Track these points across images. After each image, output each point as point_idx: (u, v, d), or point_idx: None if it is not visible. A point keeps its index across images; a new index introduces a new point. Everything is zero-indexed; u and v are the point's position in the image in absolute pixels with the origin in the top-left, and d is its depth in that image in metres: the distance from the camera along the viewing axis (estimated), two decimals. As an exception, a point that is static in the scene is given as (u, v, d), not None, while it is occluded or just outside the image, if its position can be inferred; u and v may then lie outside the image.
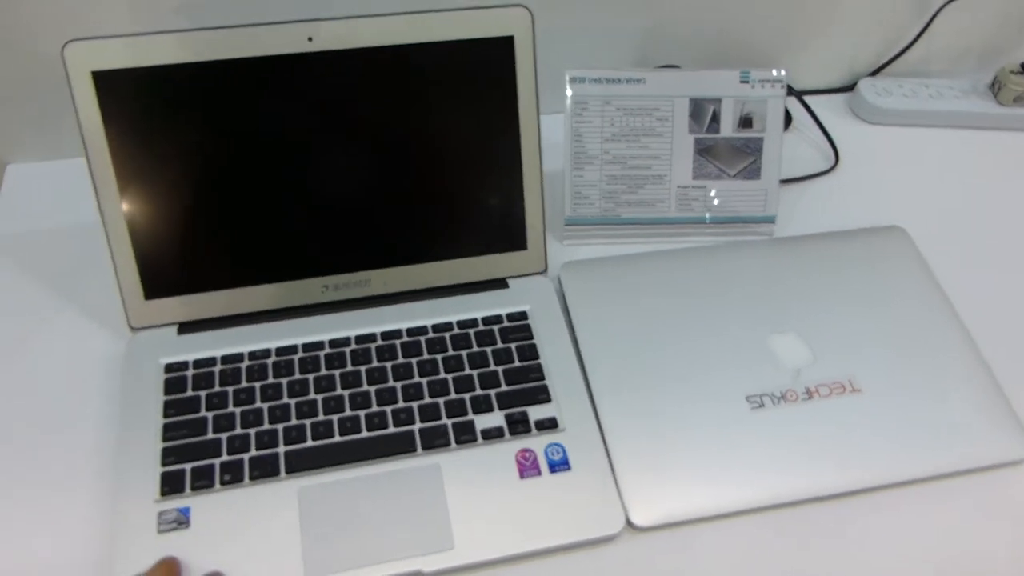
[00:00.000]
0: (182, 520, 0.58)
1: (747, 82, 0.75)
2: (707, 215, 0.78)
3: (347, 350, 0.67)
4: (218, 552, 0.57)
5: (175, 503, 0.59)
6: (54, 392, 0.67)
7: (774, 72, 0.75)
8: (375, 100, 0.66)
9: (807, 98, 0.92)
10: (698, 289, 0.72)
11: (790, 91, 0.91)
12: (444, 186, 0.70)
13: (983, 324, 0.74)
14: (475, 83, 0.67)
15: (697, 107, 0.75)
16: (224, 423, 0.63)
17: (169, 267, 0.67)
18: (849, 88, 0.93)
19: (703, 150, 0.76)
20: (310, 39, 0.63)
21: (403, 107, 0.67)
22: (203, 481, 0.60)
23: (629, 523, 0.60)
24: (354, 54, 0.64)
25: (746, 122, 0.76)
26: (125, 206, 0.65)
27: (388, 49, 0.65)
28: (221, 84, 0.63)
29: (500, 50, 0.67)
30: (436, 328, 0.69)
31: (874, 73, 0.93)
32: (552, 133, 0.75)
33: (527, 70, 0.68)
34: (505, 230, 0.72)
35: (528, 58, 0.67)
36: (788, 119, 0.90)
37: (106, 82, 0.62)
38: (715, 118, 0.76)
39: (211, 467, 0.61)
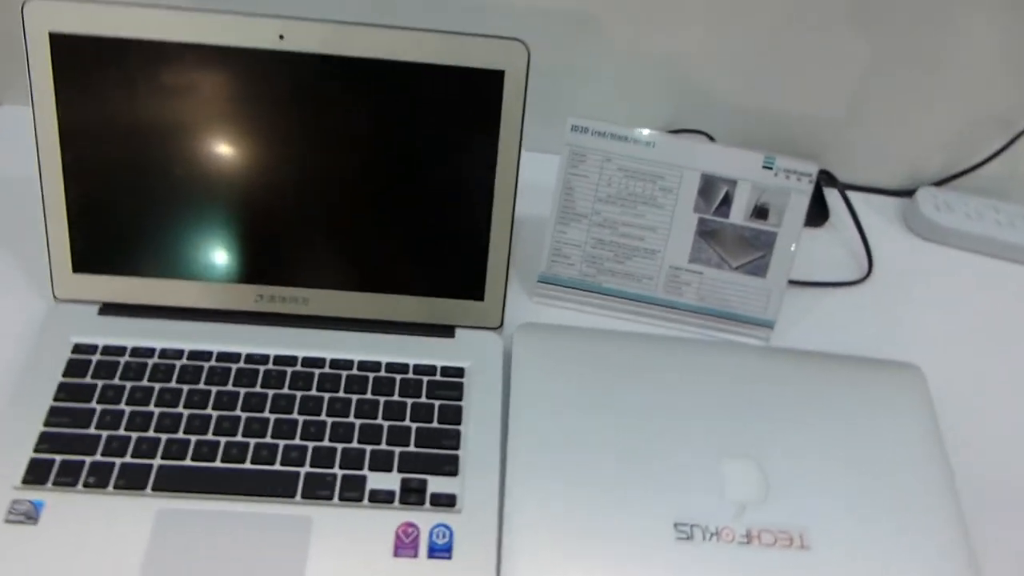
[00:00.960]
0: (32, 515, 0.55)
1: (770, 168, 0.67)
2: (698, 304, 0.70)
3: (261, 369, 0.63)
4: (55, 558, 0.53)
5: (32, 494, 0.55)
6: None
7: (805, 164, 0.66)
8: (344, 111, 0.61)
9: (855, 195, 0.82)
10: (663, 385, 0.64)
11: (833, 183, 0.81)
12: (404, 214, 0.64)
13: (983, 501, 0.63)
14: (456, 113, 0.62)
15: (708, 184, 0.67)
16: (109, 420, 0.59)
17: (101, 243, 0.64)
18: (908, 193, 0.83)
19: (706, 233, 0.68)
20: (281, 37, 0.59)
21: (375, 124, 0.62)
22: (67, 478, 0.56)
23: (498, 636, 0.53)
24: (326, 59, 0.60)
25: (761, 212, 0.68)
26: (65, 173, 0.61)
27: (365, 61, 0.60)
28: (181, 68, 0.59)
29: (489, 83, 0.61)
30: (362, 366, 0.64)
31: (940, 183, 0.82)
32: (546, 176, 0.68)
33: (514, 109, 0.61)
34: (462, 275, 0.66)
35: (517, 97, 0.61)
36: (825, 213, 0.80)
37: (63, 45, 0.58)
38: (726, 201, 0.67)
39: (80, 464, 0.57)
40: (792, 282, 0.74)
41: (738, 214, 0.68)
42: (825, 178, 0.82)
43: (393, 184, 0.63)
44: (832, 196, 0.81)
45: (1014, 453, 0.67)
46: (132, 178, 0.62)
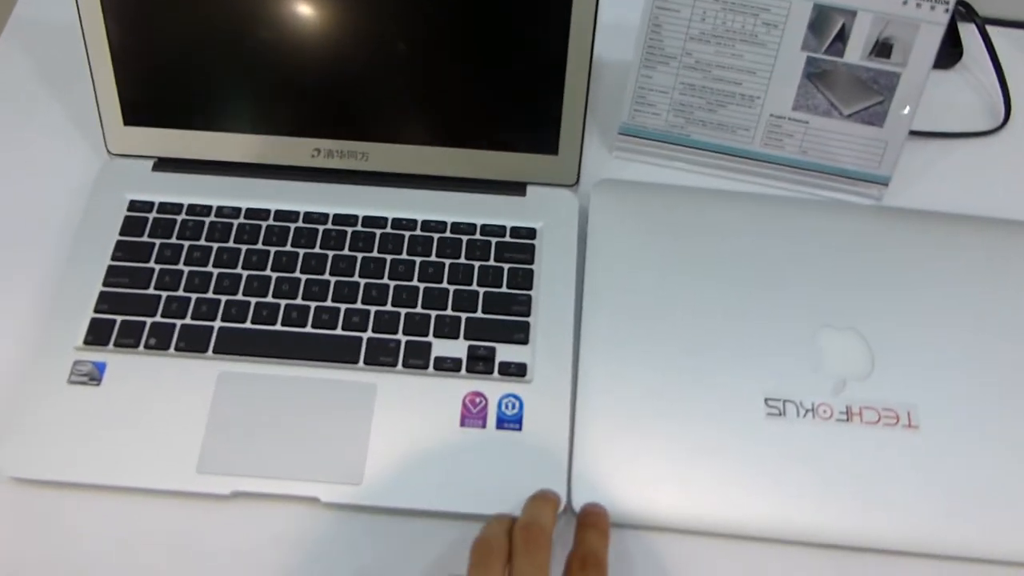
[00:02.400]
0: (95, 376, 0.54)
1: (898, -5, 0.56)
2: (801, 158, 0.62)
3: (320, 229, 0.59)
4: (118, 420, 0.52)
5: (94, 355, 0.54)
6: (21, 202, 0.62)
7: (941, -12, 0.56)
8: (400, -63, 0.54)
9: (998, 30, 0.70)
10: (756, 248, 0.58)
11: (972, 15, 0.69)
12: (470, 60, 0.57)
13: None
14: (527, -63, 0.53)
15: (821, 16, 0.57)
16: (168, 281, 0.57)
17: (151, 94, 0.59)
18: (1062, 28, 0.70)
19: (815, 75, 0.59)
20: None
21: (434, -47, 0.54)
22: (128, 339, 0.55)
23: (569, 510, 0.50)
24: None
25: (884, 49, 0.58)
26: (105, 15, 0.57)
27: None
28: None
29: None
30: (426, 226, 0.59)
31: (1103, 13, 0.70)
32: (631, 12, 0.60)
33: (594, -70, 0.53)
34: (534, 127, 0.59)
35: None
36: (958, 53, 0.69)
37: None
38: (841, 36, 0.58)
39: (141, 325, 0.55)
40: (914, 133, 0.65)
41: (855, 51, 0.58)
42: (962, 11, 0.70)
43: (457, 28, 0.56)
44: (968, 32, 0.69)
45: None
46: (181, 23, 0.57)
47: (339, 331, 0.55)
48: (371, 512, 0.51)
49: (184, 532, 0.50)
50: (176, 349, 0.54)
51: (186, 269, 0.57)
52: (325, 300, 0.56)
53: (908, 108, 0.59)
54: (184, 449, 0.51)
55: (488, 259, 0.58)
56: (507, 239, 0.59)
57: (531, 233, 0.59)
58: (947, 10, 0.56)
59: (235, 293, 0.56)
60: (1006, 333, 0.55)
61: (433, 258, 0.58)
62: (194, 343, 0.55)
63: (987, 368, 0.54)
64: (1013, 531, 0.50)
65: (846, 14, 0.57)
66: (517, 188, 0.61)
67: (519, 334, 0.55)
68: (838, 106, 0.60)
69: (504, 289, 0.57)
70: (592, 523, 0.48)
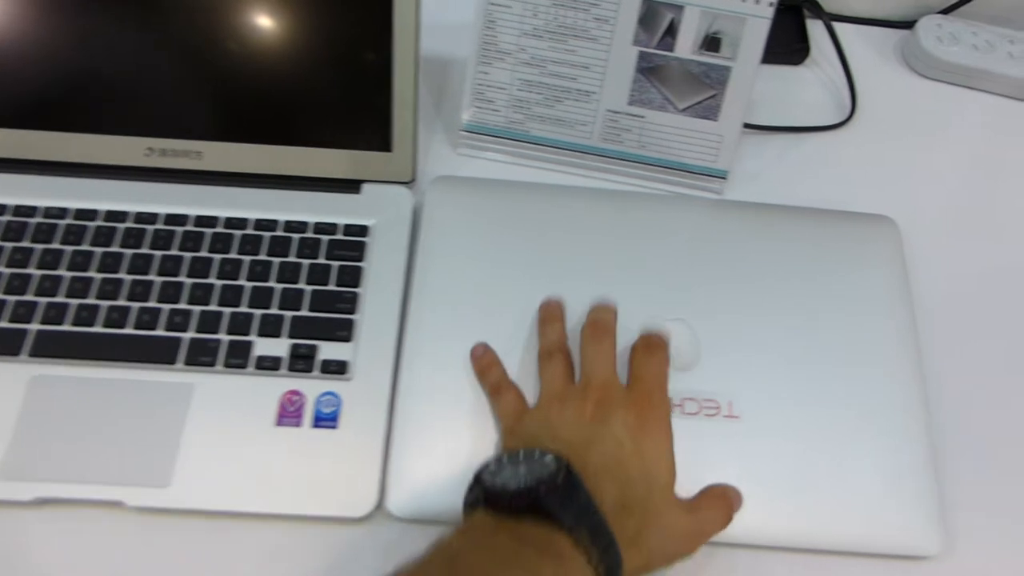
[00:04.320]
0: (-98, 378, 0.52)
1: (723, -11, 0.57)
2: (640, 153, 0.62)
3: (150, 229, 0.58)
4: (-78, 424, 0.51)
5: (-97, 359, 0.53)
6: None
7: (764, -18, 0.56)
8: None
9: (848, 27, 0.71)
10: (590, 243, 0.57)
11: (818, 12, 0.70)
12: (297, 57, 0.57)
13: (953, 372, 0.56)
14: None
15: (651, 11, 0.58)
16: (-14, 282, 0.56)
17: (-26, 93, 0.58)
18: (910, 24, 0.71)
19: (648, 69, 0.59)
20: None
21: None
22: (-62, 343, 0.53)
23: (382, 508, 0.49)
24: None
25: (712, 43, 0.58)
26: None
27: None
28: None
29: None
30: (258, 224, 0.58)
31: (947, 10, 0.70)
32: (466, 8, 0.59)
33: (408, -76, 0.53)
34: (366, 124, 0.59)
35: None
36: (806, 49, 0.70)
37: None
38: (671, 30, 0.58)
39: (-46, 328, 0.54)
40: (760, 127, 0.66)
41: (685, 46, 0.58)
42: (810, 8, 0.71)
43: (283, 25, 0.56)
44: (817, 29, 0.70)
45: (994, 321, 0.59)
46: (5, 12, 0.56)
47: (160, 332, 0.54)
48: (180, 515, 0.50)
49: (-15, 540, 0.49)
50: (-11, 353, 0.53)
51: (6, 271, 0.56)
52: (148, 301, 0.55)
53: (741, 101, 0.59)
54: (-12, 456, 0.50)
55: (318, 257, 0.57)
56: (339, 237, 0.58)
57: (363, 231, 0.58)
58: (771, 4, 0.57)
59: (56, 295, 0.55)
60: (827, 323, 0.55)
61: (263, 257, 0.57)
62: (6, 346, 0.53)
63: (808, 357, 0.54)
64: (833, 518, 0.50)
65: (674, 8, 0.57)
66: (352, 186, 0.60)
67: (342, 331, 0.54)
68: (672, 100, 0.60)
69: (331, 287, 0.56)
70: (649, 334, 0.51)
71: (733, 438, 0.51)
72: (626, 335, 0.53)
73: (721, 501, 0.48)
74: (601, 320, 0.52)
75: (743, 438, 0.52)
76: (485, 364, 0.52)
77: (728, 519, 0.47)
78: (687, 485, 0.49)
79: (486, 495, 0.42)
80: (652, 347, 0.50)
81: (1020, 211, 0.64)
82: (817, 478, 0.51)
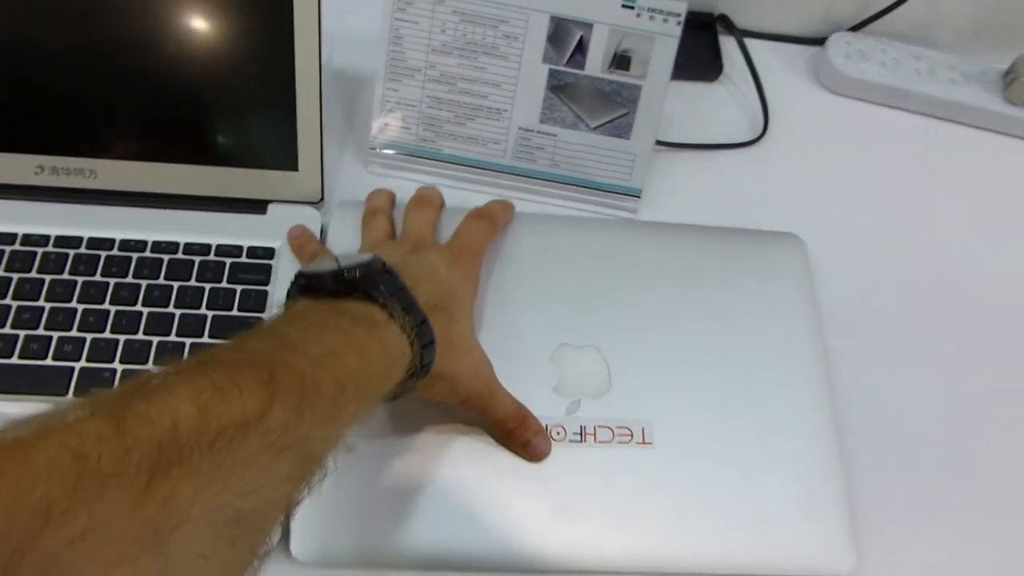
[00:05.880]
0: None
1: (631, 7, 0.56)
2: (554, 171, 0.61)
3: (39, 251, 0.55)
4: None
5: None
6: None
7: (673, 2, 0.56)
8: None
9: (759, 43, 0.71)
10: (501, 266, 0.56)
11: (731, 29, 0.71)
12: (195, 72, 0.55)
13: (861, 388, 0.57)
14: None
15: (559, 29, 0.57)
16: None
17: None
18: (820, 41, 0.72)
19: (559, 87, 0.59)
20: None
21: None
22: None
23: (285, 551, 0.48)
24: None
25: (622, 61, 0.58)
26: None
27: None
28: None
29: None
30: (157, 247, 0.56)
31: (856, 28, 0.72)
32: (377, 21, 0.58)
33: (307, -63, 0.51)
34: (269, 142, 0.57)
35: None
36: (719, 66, 0.70)
37: None
38: (581, 48, 0.58)
39: None
40: (673, 144, 0.66)
41: (595, 64, 0.58)
42: (723, 24, 0.71)
43: (181, 39, 0.54)
44: (730, 46, 0.71)
45: (899, 337, 0.60)
46: None
47: (49, 361, 0.51)
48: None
49: None
50: None
51: None
52: (36, 328, 0.52)
53: (653, 119, 0.59)
54: None
55: (221, 281, 0.55)
56: (243, 260, 0.56)
57: (269, 253, 0.56)
58: (679, 23, 0.57)
59: (-64, 323, 0.52)
60: (736, 344, 0.55)
61: (161, 281, 0.55)
62: None
63: (718, 381, 0.54)
64: (747, 541, 0.50)
65: (583, 26, 0.57)
66: (258, 206, 0.58)
67: (245, 359, 0.52)
68: (584, 119, 0.60)
69: (235, 312, 0.54)
70: (500, 201, 0.57)
71: (647, 465, 0.51)
72: (535, 360, 0.52)
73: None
74: (425, 194, 0.57)
75: (656, 464, 0.51)
76: (303, 241, 0.56)
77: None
78: (603, 514, 0.49)
79: (306, 281, 0.42)
80: (480, 215, 0.55)
81: (926, 227, 0.65)
82: (730, 501, 0.51)
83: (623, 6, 0.56)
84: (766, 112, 0.68)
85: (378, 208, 0.56)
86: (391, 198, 0.58)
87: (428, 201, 0.56)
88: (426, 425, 0.51)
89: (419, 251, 0.50)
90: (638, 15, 0.57)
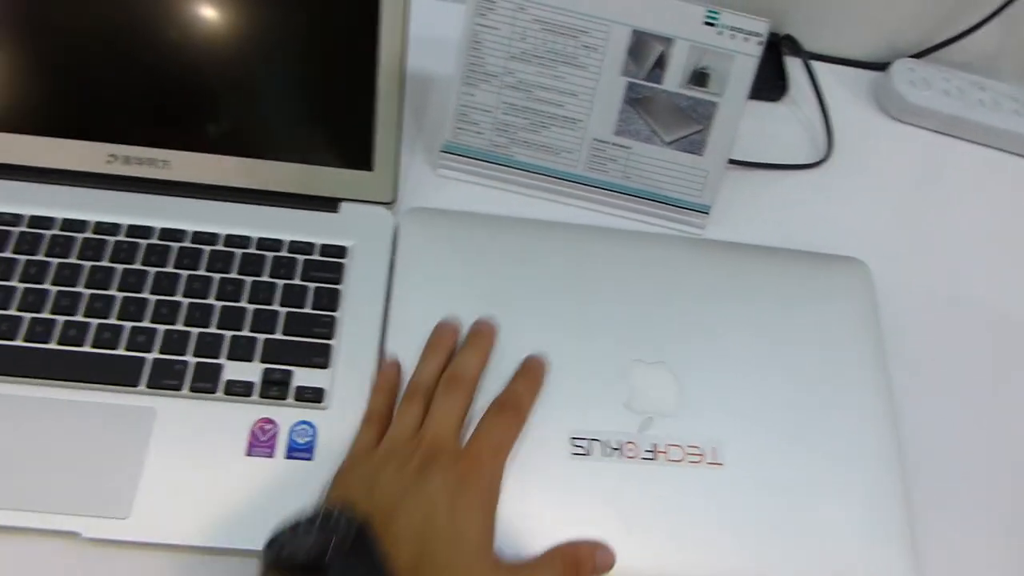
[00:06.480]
0: None
1: (713, 25, 0.57)
2: (624, 183, 0.61)
3: (111, 240, 0.55)
4: None
5: None
6: None
7: (754, 22, 0.56)
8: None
9: (822, 66, 0.72)
10: (569, 281, 0.56)
11: (797, 50, 0.71)
12: (276, 67, 0.55)
13: (926, 414, 0.57)
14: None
15: (640, 42, 0.57)
16: (-69, 292, 0.52)
17: (-77, 87, 0.55)
18: (883, 67, 0.72)
19: (637, 100, 0.59)
20: None
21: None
22: None
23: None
24: None
25: (700, 78, 0.58)
26: None
27: None
28: None
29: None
30: (229, 241, 0.56)
31: (920, 55, 0.72)
32: (453, 26, 0.58)
33: (403, -60, 0.51)
34: (347, 141, 0.57)
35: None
36: (783, 86, 0.70)
37: None
38: (660, 63, 0.58)
39: None
40: (738, 163, 0.66)
41: (673, 79, 0.58)
42: (788, 45, 0.71)
43: (265, 34, 0.54)
44: (794, 66, 0.71)
45: (963, 366, 0.60)
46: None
47: (121, 351, 0.51)
48: (139, 548, 0.47)
49: (-78, 573, 0.45)
50: (-68, 368, 0.49)
51: (-47, 280, 0.52)
52: (108, 317, 0.52)
53: (727, 138, 0.59)
54: (-70, 481, 0.46)
55: (293, 278, 0.55)
56: (315, 257, 0.56)
57: (341, 252, 0.56)
58: (760, 43, 0.57)
59: (7, 308, 0.52)
60: (802, 367, 0.55)
61: (234, 275, 0.54)
62: (-47, 362, 0.50)
63: (792, 403, 0.54)
64: (810, 565, 0.50)
65: (664, 41, 0.57)
66: (329, 204, 0.58)
67: (319, 357, 0.52)
68: (659, 133, 0.60)
69: (307, 310, 0.54)
70: (525, 371, 0.52)
71: (716, 486, 0.51)
72: (607, 375, 0.52)
73: (560, 562, 0.46)
74: (459, 372, 0.50)
75: (725, 485, 0.51)
76: (380, 384, 0.51)
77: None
78: (670, 534, 0.49)
79: (275, 556, 0.41)
80: (504, 408, 0.50)
81: (988, 255, 0.65)
82: (796, 526, 0.51)
83: (705, 23, 0.57)
84: (830, 135, 0.68)
85: (417, 391, 0.50)
86: (452, 344, 0.52)
87: (459, 382, 0.50)
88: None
89: (423, 477, 0.45)
90: (719, 33, 0.57)
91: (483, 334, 0.52)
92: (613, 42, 0.57)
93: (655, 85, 0.58)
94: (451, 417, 0.48)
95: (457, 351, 0.52)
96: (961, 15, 0.69)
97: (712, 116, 0.59)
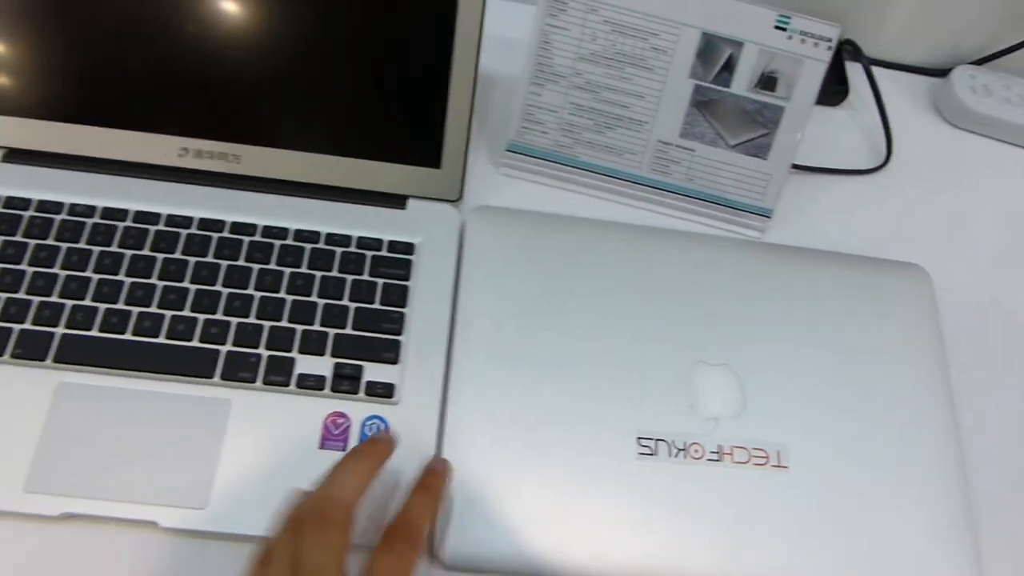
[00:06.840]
0: (-84, 381, 0.49)
1: (784, 29, 0.57)
2: (687, 186, 0.62)
3: (183, 233, 0.55)
4: (-62, 431, 0.48)
5: (-84, 358, 0.50)
6: None
7: (824, 27, 0.57)
8: (279, -68, 0.51)
9: (881, 71, 0.72)
10: (634, 282, 0.57)
11: (857, 56, 0.71)
12: (349, 64, 0.55)
13: (987, 421, 0.57)
14: (413, -58, 0.52)
15: (709, 46, 0.57)
16: (9, 282, 0.52)
17: (3, 80, 0.55)
18: (943, 72, 0.72)
19: (703, 103, 0.59)
20: None
21: (316, -49, 0.52)
22: (-43, 343, 0.50)
23: (433, 553, 0.48)
24: None
25: (768, 82, 0.58)
26: (-50, -10, 0.52)
27: None
28: None
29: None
30: (299, 235, 0.56)
31: (981, 61, 0.72)
32: (521, 27, 0.58)
33: (482, -59, 0.51)
34: (417, 139, 0.57)
35: (486, -75, 0.51)
36: (844, 91, 0.70)
37: None
38: (729, 66, 0.58)
39: (-27, 328, 0.51)
40: (798, 167, 0.66)
41: (741, 83, 0.58)
42: (849, 50, 0.71)
43: (339, 32, 0.54)
44: (854, 71, 0.71)
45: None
46: (37, 5, 0.53)
47: (195, 343, 0.52)
48: (216, 539, 0.47)
49: (7, 556, 0.46)
50: (12, 356, 0.50)
51: (30, 270, 0.53)
52: (183, 309, 0.53)
53: (791, 142, 0.59)
54: (12, 465, 0.47)
55: (362, 273, 0.55)
56: (383, 253, 0.56)
57: (409, 248, 0.57)
58: (830, 48, 0.57)
59: (83, 298, 0.52)
60: (863, 372, 0.55)
61: (304, 269, 0.55)
62: (32, 350, 0.50)
63: (853, 408, 0.54)
64: (875, 571, 0.50)
65: (733, 45, 0.57)
66: (397, 201, 0.58)
67: (389, 353, 0.53)
68: (724, 136, 0.60)
69: (377, 305, 0.54)
70: (425, 485, 0.46)
71: (780, 488, 0.51)
72: (672, 376, 0.53)
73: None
74: (327, 499, 0.41)
75: (790, 489, 0.51)
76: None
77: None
78: (734, 536, 0.49)
79: None
80: (394, 539, 0.42)
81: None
82: (859, 533, 0.51)
83: (775, 27, 0.57)
84: (889, 140, 0.68)
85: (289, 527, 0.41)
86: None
87: (322, 520, 0.41)
88: (574, 443, 0.51)
89: None
90: (789, 37, 0.57)
91: (364, 452, 0.45)
92: (682, 45, 0.57)
93: (722, 88, 0.58)
94: (327, 559, 0.39)
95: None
96: (1022, 22, 0.69)
97: (778, 120, 0.59)
